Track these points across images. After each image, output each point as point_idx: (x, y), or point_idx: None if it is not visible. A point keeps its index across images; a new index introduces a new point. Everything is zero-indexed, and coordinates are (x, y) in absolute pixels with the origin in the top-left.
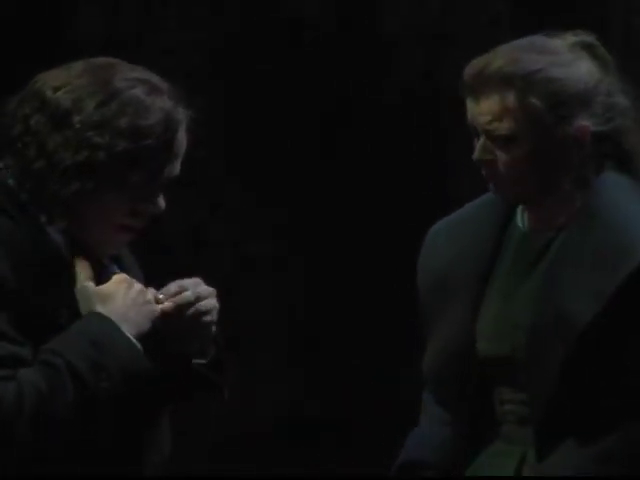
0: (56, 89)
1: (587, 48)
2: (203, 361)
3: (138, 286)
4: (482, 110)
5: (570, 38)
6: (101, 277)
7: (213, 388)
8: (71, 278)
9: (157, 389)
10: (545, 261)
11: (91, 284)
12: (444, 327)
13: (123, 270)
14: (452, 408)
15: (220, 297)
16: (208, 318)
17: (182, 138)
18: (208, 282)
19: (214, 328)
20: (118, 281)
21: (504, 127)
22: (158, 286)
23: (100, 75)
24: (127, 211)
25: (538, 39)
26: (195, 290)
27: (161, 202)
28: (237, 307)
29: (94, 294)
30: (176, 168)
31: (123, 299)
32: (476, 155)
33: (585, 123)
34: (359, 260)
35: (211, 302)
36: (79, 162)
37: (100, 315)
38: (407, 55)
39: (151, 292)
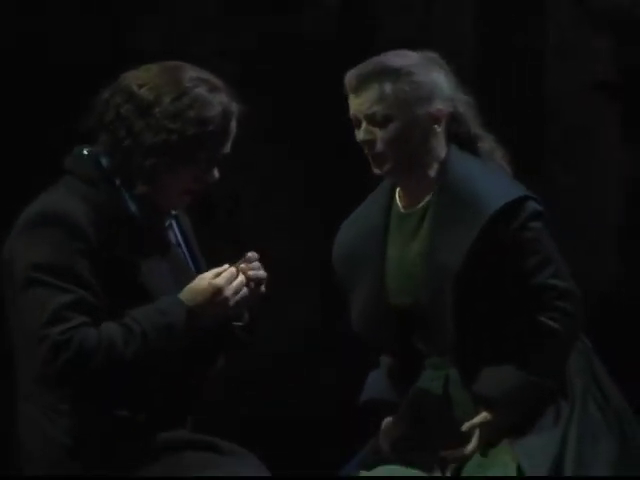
0: (140, 86)
1: (433, 59)
2: (240, 324)
3: (218, 286)
4: (363, 100)
5: (421, 53)
6: (163, 233)
7: (243, 347)
8: (140, 236)
9: (204, 358)
10: (423, 228)
11: (206, 275)
12: (359, 292)
13: (180, 228)
14: (386, 352)
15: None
16: (261, 289)
17: (234, 125)
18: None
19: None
20: (208, 284)
21: (382, 109)
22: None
23: (172, 76)
24: (192, 179)
25: (400, 50)
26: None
27: (216, 172)
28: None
29: (194, 284)
30: (228, 147)
31: (207, 296)
32: (360, 137)
33: (440, 107)
34: None
35: (264, 274)
36: (158, 142)
37: (184, 304)
38: None
39: (229, 270)
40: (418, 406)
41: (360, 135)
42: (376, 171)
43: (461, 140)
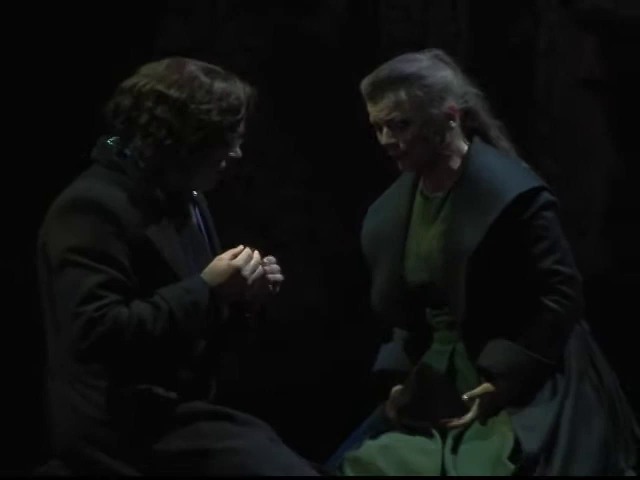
0: (169, 87)
1: (440, 57)
2: (249, 314)
3: (237, 267)
4: (381, 107)
5: (427, 52)
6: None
7: (251, 335)
8: (165, 218)
9: (221, 337)
10: (443, 213)
11: (224, 256)
12: (380, 270)
13: (199, 211)
14: (399, 326)
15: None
16: (276, 288)
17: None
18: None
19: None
20: (227, 265)
21: (400, 115)
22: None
23: (190, 72)
24: (224, 160)
25: (408, 54)
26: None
27: (239, 150)
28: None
29: (213, 266)
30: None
31: (226, 277)
32: (383, 140)
33: (452, 103)
34: None
35: (281, 277)
36: (199, 137)
37: (207, 284)
38: None
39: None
40: (424, 377)
41: (383, 139)
42: (401, 167)
43: (478, 131)
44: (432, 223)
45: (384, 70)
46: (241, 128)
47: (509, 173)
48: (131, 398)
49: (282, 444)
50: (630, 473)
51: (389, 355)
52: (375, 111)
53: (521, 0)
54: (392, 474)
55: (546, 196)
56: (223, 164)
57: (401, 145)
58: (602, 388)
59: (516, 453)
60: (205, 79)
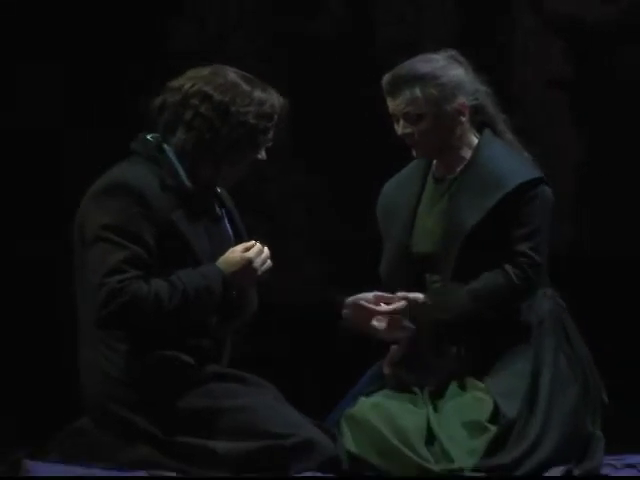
0: (214, 89)
1: (454, 57)
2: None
3: (249, 259)
4: (399, 102)
5: (443, 53)
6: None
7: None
8: (192, 207)
9: (232, 311)
10: (449, 193)
11: (237, 249)
12: (391, 241)
13: (224, 207)
14: (401, 289)
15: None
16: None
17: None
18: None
19: None
20: (240, 257)
21: (415, 109)
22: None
23: (232, 78)
24: (251, 161)
25: (426, 55)
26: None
27: (264, 153)
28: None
29: (227, 256)
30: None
31: (239, 267)
32: (400, 131)
33: (463, 100)
34: None
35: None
36: (235, 136)
37: (221, 272)
38: None
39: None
40: (415, 337)
41: (399, 130)
42: (415, 155)
43: (487, 125)
44: (438, 202)
45: (403, 68)
46: (271, 134)
47: (513, 163)
48: (150, 361)
49: (286, 403)
50: (597, 434)
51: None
52: (393, 105)
53: (500, 7)
54: (383, 430)
55: (543, 188)
56: (248, 165)
57: (416, 135)
58: (575, 360)
59: (494, 417)
60: (246, 87)
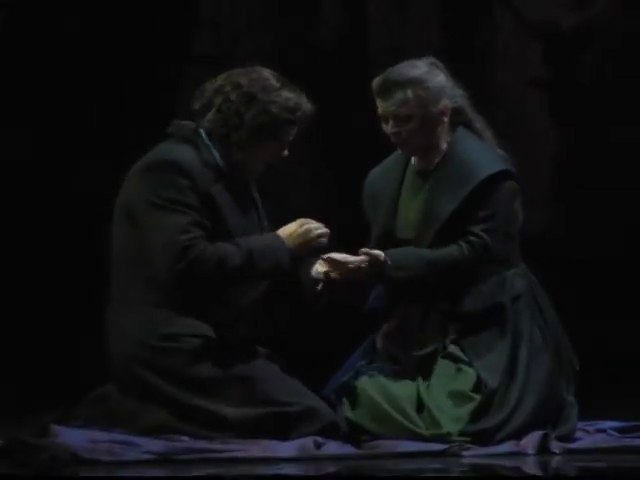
0: (247, 80)
1: (434, 64)
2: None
3: (304, 228)
4: (389, 104)
5: (425, 60)
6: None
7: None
8: (226, 187)
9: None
10: (427, 185)
11: (291, 225)
12: (377, 227)
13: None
14: None
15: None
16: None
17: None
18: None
19: None
20: (299, 224)
21: (404, 110)
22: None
23: (268, 76)
24: (272, 153)
25: (411, 61)
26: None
27: (286, 152)
28: None
29: (285, 228)
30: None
31: (294, 234)
32: (389, 130)
33: (446, 102)
34: None
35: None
36: (258, 122)
37: (280, 238)
38: None
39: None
40: (403, 314)
41: (388, 129)
42: (401, 152)
43: (465, 125)
44: (419, 192)
45: (393, 73)
46: (293, 131)
47: (483, 156)
48: (175, 329)
49: (290, 375)
50: (570, 400)
51: (379, 296)
52: (383, 106)
53: (483, 12)
54: (377, 398)
55: (510, 181)
56: (269, 157)
57: (403, 134)
58: (548, 331)
59: (477, 387)
60: (276, 83)
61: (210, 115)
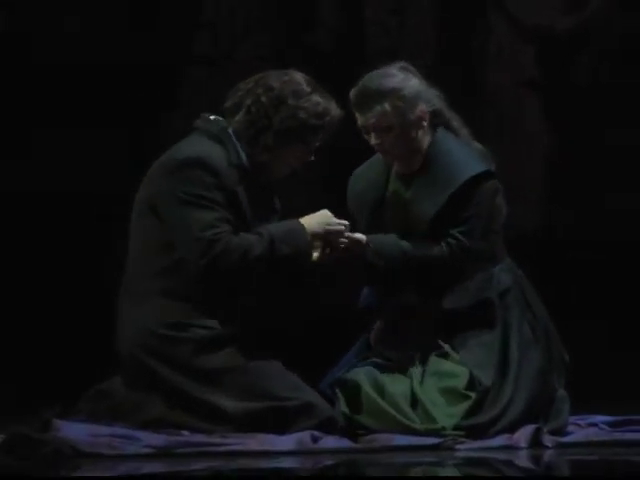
0: (279, 83)
1: (406, 68)
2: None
3: (325, 220)
4: (368, 116)
5: (396, 65)
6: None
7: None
8: (249, 185)
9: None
10: (411, 188)
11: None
12: (361, 225)
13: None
14: None
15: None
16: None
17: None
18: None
19: None
20: (320, 214)
21: (385, 122)
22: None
23: (300, 80)
24: (297, 157)
25: (384, 69)
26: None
27: (313, 156)
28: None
29: (306, 217)
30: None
31: (314, 222)
32: (372, 142)
33: (423, 107)
34: None
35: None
36: (286, 126)
37: (302, 225)
38: None
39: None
40: (395, 311)
41: (371, 140)
42: (385, 160)
43: (444, 125)
44: (403, 194)
45: (368, 85)
46: (320, 136)
47: (464, 157)
48: (183, 319)
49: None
50: (561, 392)
51: (371, 294)
52: (363, 119)
53: (477, 15)
54: (372, 394)
55: (491, 180)
56: (295, 160)
57: (385, 144)
58: (537, 325)
59: (470, 385)
60: (307, 88)
61: (240, 115)
